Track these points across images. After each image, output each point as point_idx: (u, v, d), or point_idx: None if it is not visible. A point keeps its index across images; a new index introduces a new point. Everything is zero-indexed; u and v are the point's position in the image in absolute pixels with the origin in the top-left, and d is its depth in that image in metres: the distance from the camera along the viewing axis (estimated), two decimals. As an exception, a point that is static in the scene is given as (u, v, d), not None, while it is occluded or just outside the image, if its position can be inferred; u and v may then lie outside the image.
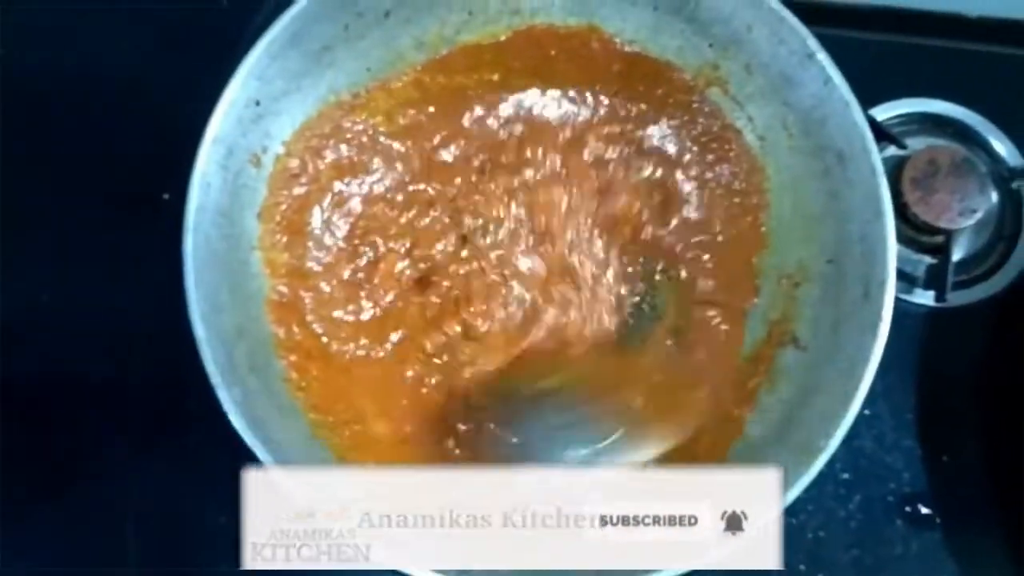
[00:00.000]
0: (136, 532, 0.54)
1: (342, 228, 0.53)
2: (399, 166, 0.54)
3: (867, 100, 0.55)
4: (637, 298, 0.55)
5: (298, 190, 0.51)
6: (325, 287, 0.52)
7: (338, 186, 0.53)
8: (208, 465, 0.54)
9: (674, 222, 0.55)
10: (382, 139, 0.54)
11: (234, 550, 0.51)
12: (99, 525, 0.55)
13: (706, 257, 0.54)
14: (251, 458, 0.42)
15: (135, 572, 0.54)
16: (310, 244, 0.52)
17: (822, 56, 0.48)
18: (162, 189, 0.58)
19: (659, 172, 0.55)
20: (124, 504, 0.54)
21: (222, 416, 0.43)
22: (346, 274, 0.53)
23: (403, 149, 0.54)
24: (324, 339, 0.51)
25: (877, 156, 0.47)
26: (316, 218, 0.52)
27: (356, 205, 0.53)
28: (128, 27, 0.63)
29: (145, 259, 0.54)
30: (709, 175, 0.54)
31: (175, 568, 0.54)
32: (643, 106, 0.55)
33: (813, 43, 0.48)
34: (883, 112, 0.61)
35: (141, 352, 0.56)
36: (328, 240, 0.53)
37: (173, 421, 0.56)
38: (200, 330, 0.43)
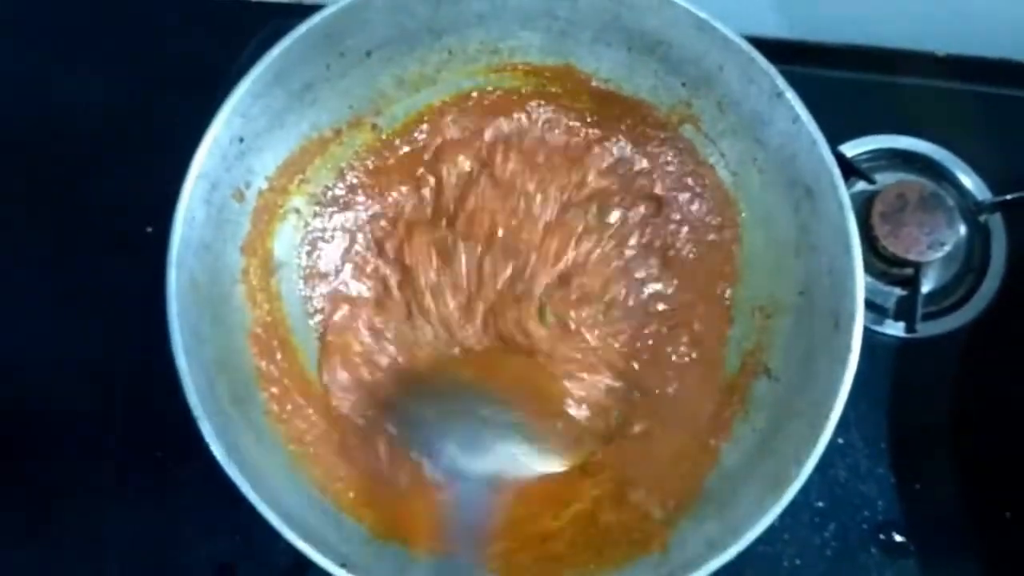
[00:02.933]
0: (118, 564, 0.54)
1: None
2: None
3: (837, 136, 0.57)
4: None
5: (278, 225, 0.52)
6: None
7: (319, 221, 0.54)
8: (189, 498, 0.55)
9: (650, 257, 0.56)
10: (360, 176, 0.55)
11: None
12: (80, 559, 0.55)
13: (681, 289, 0.55)
14: (232, 491, 0.43)
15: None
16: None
17: (790, 95, 0.49)
18: (145, 223, 0.58)
19: (637, 207, 0.56)
20: (105, 536, 0.55)
21: (203, 449, 0.43)
22: None
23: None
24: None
25: (844, 191, 0.48)
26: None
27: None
28: (111, 66, 0.65)
29: (127, 292, 0.55)
30: (683, 210, 0.56)
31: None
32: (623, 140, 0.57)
33: (782, 82, 0.49)
34: (853, 148, 0.63)
35: (123, 385, 0.57)
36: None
37: (154, 454, 0.56)
38: (182, 361, 0.44)
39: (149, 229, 0.58)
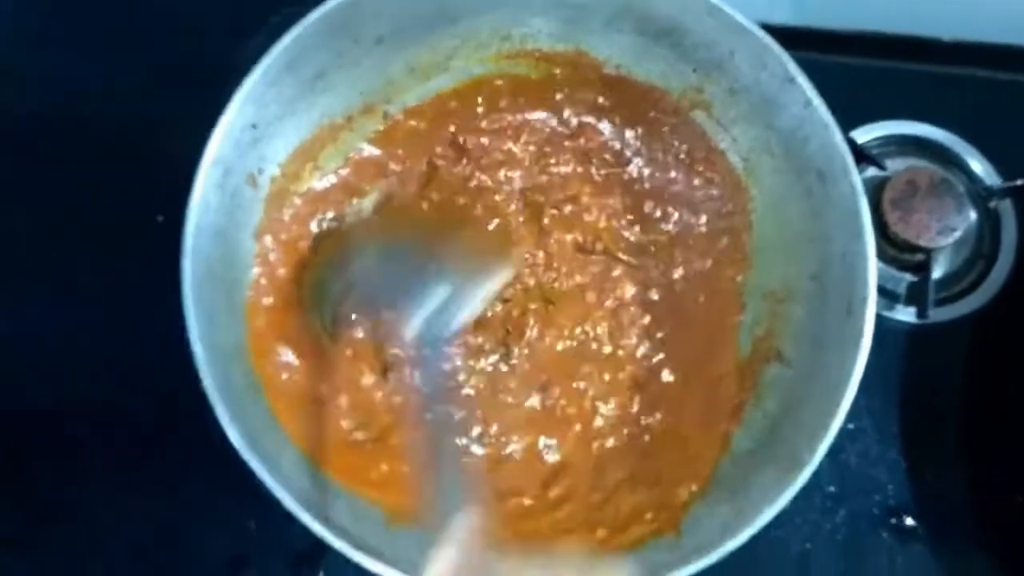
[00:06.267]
0: (130, 556, 0.55)
1: None
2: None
3: (848, 123, 0.56)
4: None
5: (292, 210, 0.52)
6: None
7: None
8: (202, 489, 0.55)
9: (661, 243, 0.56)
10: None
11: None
12: (91, 551, 0.55)
13: (693, 276, 0.55)
14: (245, 480, 0.43)
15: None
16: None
17: (802, 80, 0.49)
18: (156, 211, 0.59)
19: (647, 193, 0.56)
20: (117, 528, 0.55)
21: (216, 438, 0.43)
22: None
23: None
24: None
25: (857, 176, 0.48)
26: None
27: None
28: (120, 56, 0.65)
29: (139, 281, 0.55)
30: (696, 196, 0.56)
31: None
32: (634, 127, 0.57)
33: (793, 67, 0.49)
34: (863, 135, 0.63)
35: (134, 376, 0.57)
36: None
37: (166, 445, 0.56)
38: (198, 348, 0.44)
39: (160, 218, 0.59)
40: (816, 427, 0.45)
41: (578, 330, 0.55)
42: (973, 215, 0.61)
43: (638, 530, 0.48)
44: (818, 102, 0.49)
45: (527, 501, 0.51)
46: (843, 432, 0.55)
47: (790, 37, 0.50)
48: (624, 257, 0.56)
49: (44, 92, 0.64)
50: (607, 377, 0.54)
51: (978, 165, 0.63)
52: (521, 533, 0.49)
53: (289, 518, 0.43)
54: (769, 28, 0.50)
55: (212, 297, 0.46)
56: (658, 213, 0.57)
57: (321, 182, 0.54)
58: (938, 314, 0.59)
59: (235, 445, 0.43)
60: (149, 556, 0.55)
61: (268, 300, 0.51)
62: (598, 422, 0.53)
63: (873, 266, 0.47)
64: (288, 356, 0.51)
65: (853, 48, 0.66)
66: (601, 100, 0.56)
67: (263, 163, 0.51)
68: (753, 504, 0.45)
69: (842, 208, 0.48)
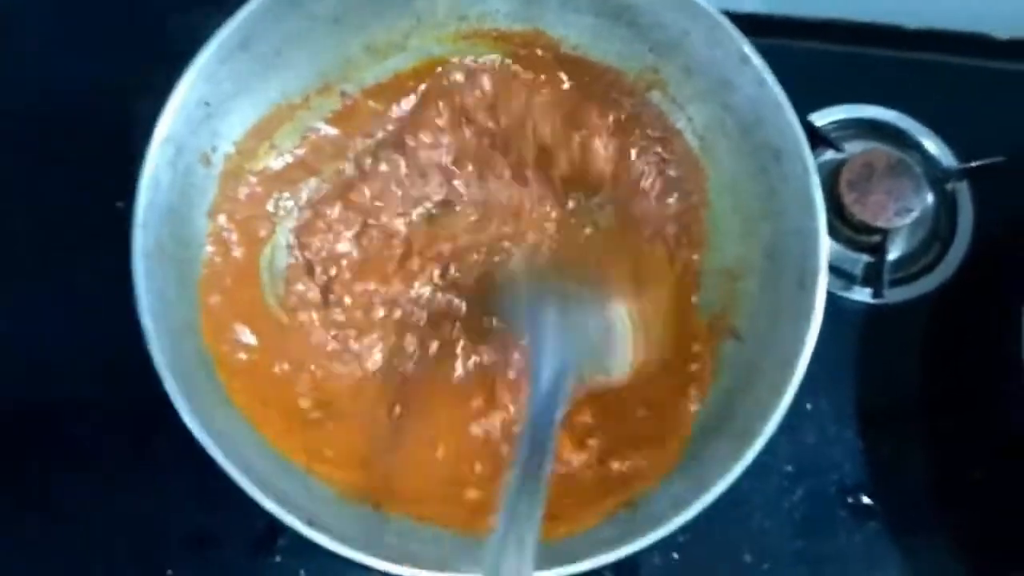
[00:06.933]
0: (93, 539, 0.54)
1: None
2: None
3: (805, 106, 0.57)
4: None
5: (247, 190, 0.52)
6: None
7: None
8: (163, 471, 0.54)
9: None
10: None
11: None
12: (53, 536, 0.54)
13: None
14: (206, 461, 0.43)
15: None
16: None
17: (756, 59, 0.50)
18: (115, 197, 0.58)
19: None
20: (79, 512, 0.55)
21: (176, 420, 0.43)
22: None
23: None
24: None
25: (809, 153, 0.48)
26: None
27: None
28: (75, 37, 0.64)
29: (98, 267, 0.54)
30: (651, 176, 0.56)
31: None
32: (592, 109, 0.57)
33: (747, 47, 0.50)
34: (820, 118, 0.63)
35: (95, 362, 0.57)
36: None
37: (127, 430, 0.56)
38: (148, 323, 0.44)
39: (119, 204, 0.58)
40: (770, 399, 0.46)
41: None
42: (930, 196, 0.62)
43: (593, 505, 0.48)
44: (772, 81, 0.50)
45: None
46: (800, 412, 0.56)
47: (748, 23, 0.51)
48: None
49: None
50: None
51: (934, 147, 0.63)
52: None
53: (246, 500, 0.43)
54: (728, 15, 0.50)
55: (163, 274, 0.46)
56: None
57: (277, 161, 0.53)
58: (894, 295, 0.60)
59: (184, 419, 0.42)
60: (110, 538, 0.54)
61: (222, 278, 0.50)
62: None
63: (824, 239, 0.47)
64: (244, 334, 0.51)
65: (811, 34, 0.67)
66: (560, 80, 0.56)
67: (217, 141, 0.50)
68: (707, 477, 0.45)
69: (795, 185, 0.49)
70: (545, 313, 0.47)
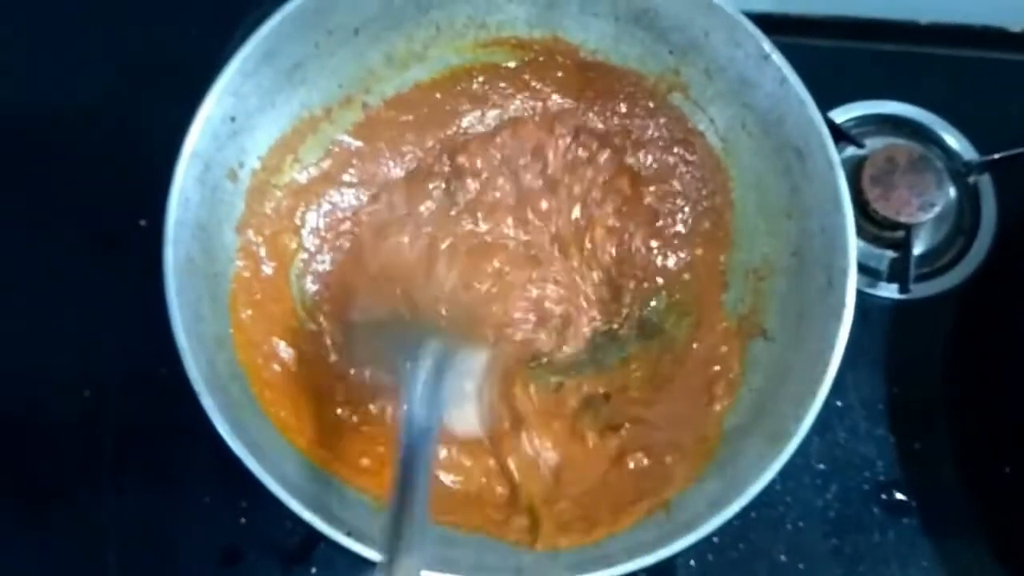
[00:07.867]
0: (120, 553, 0.54)
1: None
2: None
3: (826, 103, 0.57)
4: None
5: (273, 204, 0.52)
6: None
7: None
8: (190, 484, 0.55)
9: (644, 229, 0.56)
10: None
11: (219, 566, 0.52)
12: (81, 548, 0.55)
13: (677, 259, 0.56)
14: (234, 474, 0.42)
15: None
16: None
17: (777, 57, 0.50)
18: (138, 216, 0.58)
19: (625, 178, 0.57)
20: (106, 525, 0.55)
21: (203, 433, 0.43)
22: None
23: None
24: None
25: (833, 149, 0.48)
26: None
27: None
28: (99, 55, 0.65)
29: (123, 284, 0.55)
30: (675, 179, 0.56)
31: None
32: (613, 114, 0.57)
33: (768, 45, 0.50)
34: (841, 115, 0.63)
35: (121, 377, 0.57)
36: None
37: (152, 444, 0.56)
38: (182, 340, 0.44)
39: (143, 222, 0.59)
40: (802, 398, 0.45)
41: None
42: (952, 191, 0.62)
43: (628, 507, 0.48)
44: (793, 79, 0.50)
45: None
46: (831, 410, 0.56)
47: (766, 22, 0.51)
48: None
49: (18, 94, 0.64)
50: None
51: (955, 142, 0.63)
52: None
53: (280, 512, 0.43)
54: (751, 16, 0.50)
55: (195, 290, 0.47)
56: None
57: (302, 175, 0.54)
58: (920, 290, 0.60)
59: (220, 432, 0.42)
60: (138, 552, 0.54)
61: (253, 293, 0.51)
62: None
63: (852, 236, 0.47)
64: (280, 348, 0.51)
65: (829, 31, 0.67)
66: (580, 86, 0.56)
67: (243, 156, 0.51)
68: (741, 478, 0.45)
69: (820, 182, 0.49)
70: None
